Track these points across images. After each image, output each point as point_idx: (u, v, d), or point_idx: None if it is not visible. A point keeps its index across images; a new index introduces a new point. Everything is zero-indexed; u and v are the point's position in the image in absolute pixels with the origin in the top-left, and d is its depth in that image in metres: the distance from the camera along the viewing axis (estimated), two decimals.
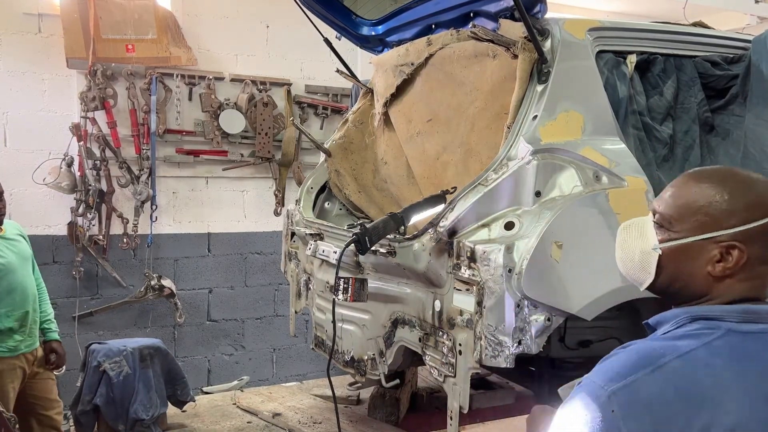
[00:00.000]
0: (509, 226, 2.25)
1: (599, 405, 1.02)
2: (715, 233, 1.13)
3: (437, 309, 2.40)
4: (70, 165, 4.50)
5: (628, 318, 2.54)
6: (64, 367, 3.38)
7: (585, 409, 1.04)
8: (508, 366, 2.14)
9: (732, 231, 1.12)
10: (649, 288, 1.22)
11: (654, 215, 1.22)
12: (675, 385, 1.02)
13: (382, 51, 3.54)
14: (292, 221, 3.58)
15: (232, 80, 5.04)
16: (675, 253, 1.17)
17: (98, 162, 4.60)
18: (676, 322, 1.14)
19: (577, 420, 1.04)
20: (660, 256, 1.19)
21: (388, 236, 2.51)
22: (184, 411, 3.92)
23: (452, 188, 2.64)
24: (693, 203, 1.16)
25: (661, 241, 1.19)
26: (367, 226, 2.49)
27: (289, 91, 5.10)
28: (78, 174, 4.55)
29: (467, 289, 2.24)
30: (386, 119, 3.44)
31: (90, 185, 4.57)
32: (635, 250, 1.23)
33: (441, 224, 2.33)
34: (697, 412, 1.00)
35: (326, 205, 3.66)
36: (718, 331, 1.09)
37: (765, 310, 1.12)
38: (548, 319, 2.17)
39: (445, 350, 2.37)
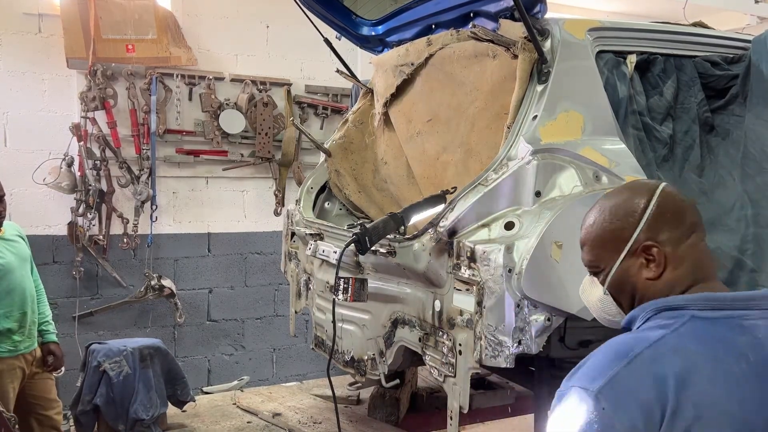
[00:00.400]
0: (509, 226, 2.25)
1: (590, 406, 1.06)
2: (627, 246, 1.23)
3: (437, 309, 2.40)
4: (70, 165, 4.50)
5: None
6: (63, 369, 3.37)
7: (578, 414, 1.07)
8: (508, 366, 2.14)
9: (635, 235, 1.22)
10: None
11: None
12: (651, 372, 1.07)
13: (382, 51, 3.54)
14: (292, 221, 3.58)
15: (232, 80, 5.04)
16: (617, 284, 1.27)
17: (98, 162, 4.60)
18: (644, 316, 1.20)
19: (572, 426, 1.07)
20: (610, 293, 1.29)
21: (388, 236, 2.51)
22: (184, 411, 3.92)
23: (452, 188, 2.64)
24: (595, 239, 1.29)
25: (602, 283, 1.30)
26: (367, 226, 2.49)
27: (289, 91, 5.10)
28: (78, 174, 4.55)
29: (467, 289, 2.24)
30: (386, 119, 3.44)
31: (90, 185, 4.57)
32: (596, 302, 1.34)
33: (441, 224, 2.33)
34: (675, 393, 1.04)
35: (326, 205, 3.66)
36: (683, 318, 1.14)
37: (726, 297, 1.17)
38: (548, 319, 2.17)
39: (445, 350, 2.37)
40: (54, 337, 3.35)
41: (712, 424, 1.03)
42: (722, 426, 1.04)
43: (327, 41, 3.56)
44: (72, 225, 4.57)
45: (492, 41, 2.62)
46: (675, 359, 1.08)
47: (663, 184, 1.27)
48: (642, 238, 1.22)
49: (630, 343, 1.13)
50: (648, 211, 1.22)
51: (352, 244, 2.46)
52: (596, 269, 1.31)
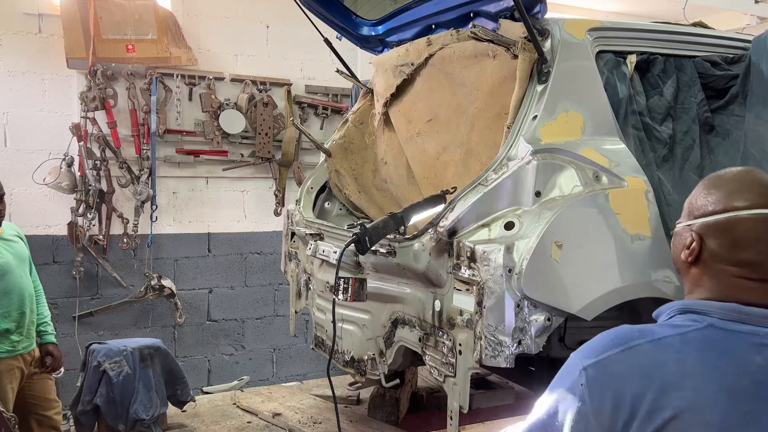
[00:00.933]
0: (509, 226, 2.25)
1: (572, 378, 1.12)
2: (687, 222, 1.23)
3: (437, 309, 2.40)
4: (70, 165, 4.50)
5: (628, 318, 2.54)
6: (62, 370, 3.36)
7: (561, 381, 1.14)
8: (508, 366, 2.14)
9: (696, 222, 1.21)
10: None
11: None
12: (640, 365, 1.08)
13: (382, 51, 3.54)
14: (292, 221, 3.58)
15: (232, 80, 5.04)
16: (674, 240, 1.27)
17: (98, 162, 4.60)
18: (669, 313, 1.20)
19: (554, 390, 1.14)
20: (672, 249, 1.29)
21: (388, 236, 2.51)
22: (184, 411, 3.92)
23: (452, 188, 2.64)
24: (689, 197, 1.27)
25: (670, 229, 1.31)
26: (367, 226, 2.49)
27: (289, 91, 5.10)
28: (78, 174, 4.55)
29: (467, 289, 2.24)
30: (386, 119, 3.44)
31: (90, 185, 4.57)
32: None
33: (441, 224, 2.33)
34: (656, 392, 1.05)
35: (326, 205, 3.66)
36: (700, 324, 1.13)
37: (756, 313, 1.12)
38: (548, 319, 2.17)
39: (445, 350, 2.37)
40: (53, 338, 3.34)
41: (690, 426, 1.03)
42: (700, 429, 1.03)
43: (327, 41, 3.56)
44: (72, 225, 4.57)
45: (492, 41, 2.62)
46: (669, 361, 1.08)
47: (751, 210, 1.17)
48: (700, 228, 1.20)
49: (634, 333, 1.14)
50: (717, 217, 1.18)
51: (352, 244, 2.46)
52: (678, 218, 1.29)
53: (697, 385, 1.05)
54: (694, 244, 1.20)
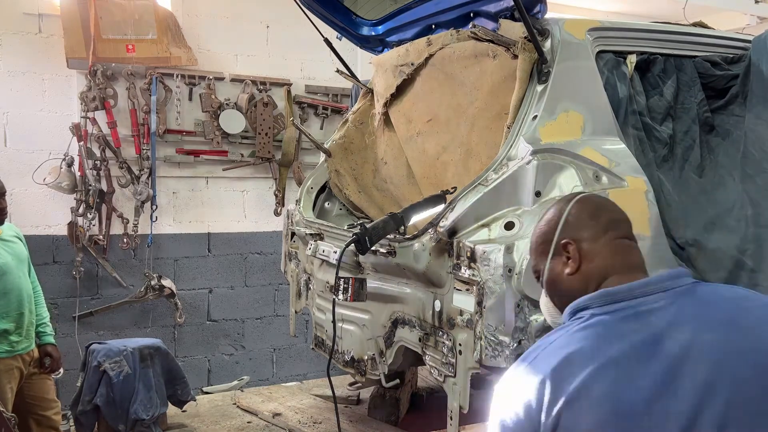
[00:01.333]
0: (509, 226, 2.25)
1: (494, 395, 1.25)
2: (552, 247, 1.36)
3: (437, 309, 2.40)
4: (70, 165, 4.50)
5: None
6: (61, 370, 3.36)
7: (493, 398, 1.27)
8: (508, 366, 2.14)
9: (556, 236, 1.36)
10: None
11: None
12: (535, 373, 1.18)
13: (382, 51, 3.54)
14: (292, 221, 3.58)
15: (232, 80, 5.04)
16: (549, 285, 1.40)
17: (98, 162, 4.60)
18: (564, 321, 1.30)
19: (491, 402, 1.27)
20: (549, 296, 1.42)
21: (388, 236, 2.51)
22: (184, 411, 3.92)
23: (452, 188, 2.64)
24: (532, 246, 1.44)
25: (542, 286, 1.43)
26: (367, 226, 2.49)
27: (289, 91, 5.10)
28: (78, 174, 4.55)
29: (467, 289, 2.24)
30: (386, 119, 3.44)
31: (90, 185, 4.57)
32: (543, 307, 1.48)
33: (441, 224, 2.33)
34: (551, 389, 1.13)
35: (326, 205, 3.66)
36: (583, 318, 1.23)
37: (621, 289, 1.24)
38: None
39: (445, 350, 2.37)
40: (51, 339, 3.34)
41: (584, 407, 1.10)
42: (595, 407, 1.10)
43: (327, 41, 3.56)
44: (72, 225, 4.57)
45: (492, 41, 2.62)
46: (558, 358, 1.16)
47: (582, 194, 1.43)
48: (561, 238, 1.35)
49: (533, 348, 1.25)
50: (565, 214, 1.36)
51: (352, 244, 2.46)
52: (537, 274, 1.43)
53: (583, 366, 1.13)
54: (572, 246, 1.33)
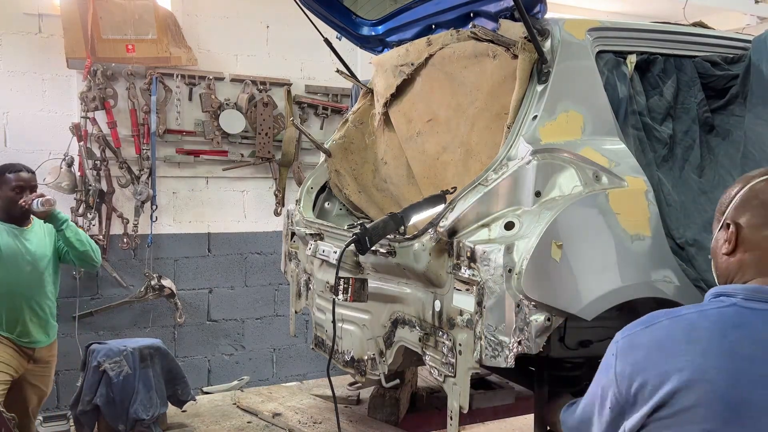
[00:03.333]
0: (509, 226, 2.25)
1: (609, 349, 1.29)
2: (721, 220, 1.35)
3: (437, 309, 2.40)
4: (70, 165, 4.50)
5: (628, 318, 2.52)
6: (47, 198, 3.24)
7: (605, 355, 1.31)
8: (508, 366, 2.14)
9: (726, 212, 1.34)
10: None
11: None
12: (657, 337, 1.21)
13: (382, 51, 3.54)
14: (292, 221, 3.58)
15: (232, 80, 5.04)
16: (712, 252, 1.41)
17: (98, 162, 4.61)
18: (707, 298, 1.29)
19: (602, 362, 1.32)
20: (712, 260, 1.42)
21: (388, 236, 2.51)
22: (184, 411, 3.92)
23: (452, 188, 2.63)
24: (714, 214, 1.42)
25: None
26: (367, 226, 2.49)
27: (289, 91, 5.10)
28: (78, 174, 4.56)
29: (467, 289, 2.24)
30: (386, 119, 3.44)
31: (90, 185, 4.57)
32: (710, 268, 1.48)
33: (441, 224, 2.33)
34: (665, 359, 1.17)
35: (326, 205, 3.66)
36: (723, 303, 1.22)
37: None
38: (548, 319, 2.16)
39: (445, 350, 2.37)
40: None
41: (695, 389, 1.11)
42: (705, 392, 1.11)
43: (327, 41, 3.56)
44: None
45: (492, 41, 2.62)
46: (680, 332, 1.18)
47: (765, 177, 1.34)
48: (728, 216, 1.33)
49: (660, 314, 1.27)
50: (739, 195, 1.32)
51: (352, 244, 2.46)
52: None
53: (703, 349, 1.14)
54: (731, 229, 1.30)
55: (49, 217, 3.23)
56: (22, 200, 3.18)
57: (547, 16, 2.55)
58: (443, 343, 2.37)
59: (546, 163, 2.32)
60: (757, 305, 1.19)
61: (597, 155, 2.38)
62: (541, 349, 2.19)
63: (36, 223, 3.36)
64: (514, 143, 2.38)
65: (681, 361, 1.14)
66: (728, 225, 1.31)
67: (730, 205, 1.32)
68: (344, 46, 3.67)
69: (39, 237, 3.35)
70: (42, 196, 3.24)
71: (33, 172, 3.38)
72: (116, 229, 4.76)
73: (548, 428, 2.69)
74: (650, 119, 2.63)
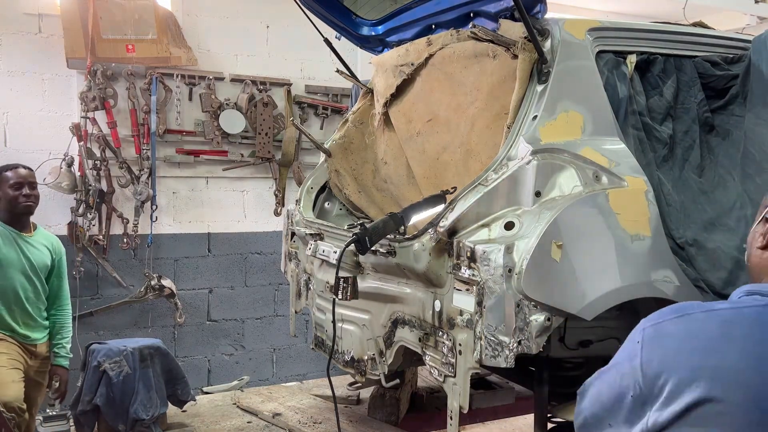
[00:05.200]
0: (509, 226, 2.25)
1: (633, 336, 1.21)
2: (762, 213, 1.30)
3: (437, 309, 2.40)
4: (70, 165, 4.50)
5: (628, 318, 2.54)
6: (61, 402, 3.42)
7: (627, 341, 1.24)
8: (508, 366, 2.14)
9: (765, 210, 1.28)
10: None
11: None
12: (688, 329, 1.14)
13: (382, 51, 3.54)
14: (292, 221, 3.58)
15: (232, 80, 5.04)
16: (748, 242, 1.34)
17: (98, 162, 4.61)
18: (737, 295, 1.24)
19: (623, 346, 1.24)
20: (748, 249, 1.36)
21: (388, 236, 2.51)
22: (184, 411, 3.92)
23: (452, 188, 2.64)
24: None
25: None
26: (367, 226, 2.49)
27: (289, 91, 5.11)
28: (78, 174, 4.56)
29: (467, 289, 2.24)
30: (386, 119, 3.44)
31: (90, 185, 4.57)
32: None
33: (441, 224, 2.33)
34: (699, 353, 1.10)
35: (326, 205, 3.66)
36: (760, 302, 1.17)
37: None
38: (548, 319, 2.16)
39: (445, 350, 2.37)
40: (63, 362, 3.43)
41: (730, 391, 1.06)
42: (741, 395, 1.06)
43: (327, 41, 3.56)
44: (72, 225, 4.57)
45: (492, 41, 2.62)
46: (716, 328, 1.12)
47: None
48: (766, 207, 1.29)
49: (693, 305, 1.20)
50: None
51: (352, 244, 2.46)
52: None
53: (740, 349, 1.08)
54: (766, 223, 1.27)
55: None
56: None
57: (547, 16, 2.55)
58: (443, 343, 2.37)
59: (546, 163, 2.32)
60: None
61: (597, 155, 2.38)
62: (541, 349, 2.19)
63: (39, 232, 3.36)
64: (514, 143, 2.38)
65: (715, 359, 1.09)
66: (767, 219, 1.28)
67: None
68: (344, 46, 3.67)
69: (39, 247, 3.34)
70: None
71: (31, 169, 3.38)
72: (116, 229, 4.76)
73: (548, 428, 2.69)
74: (650, 119, 2.63)
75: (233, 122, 4.96)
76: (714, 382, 1.07)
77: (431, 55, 2.99)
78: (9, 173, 3.27)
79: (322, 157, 3.66)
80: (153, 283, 4.77)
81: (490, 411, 3.76)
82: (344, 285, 2.58)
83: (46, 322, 3.43)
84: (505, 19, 2.68)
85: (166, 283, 4.83)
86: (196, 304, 5.10)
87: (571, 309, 2.18)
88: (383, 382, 2.90)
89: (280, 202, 5.19)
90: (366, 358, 2.91)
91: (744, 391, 1.06)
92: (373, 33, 3.48)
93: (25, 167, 3.35)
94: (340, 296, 2.58)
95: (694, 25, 3.10)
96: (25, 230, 3.31)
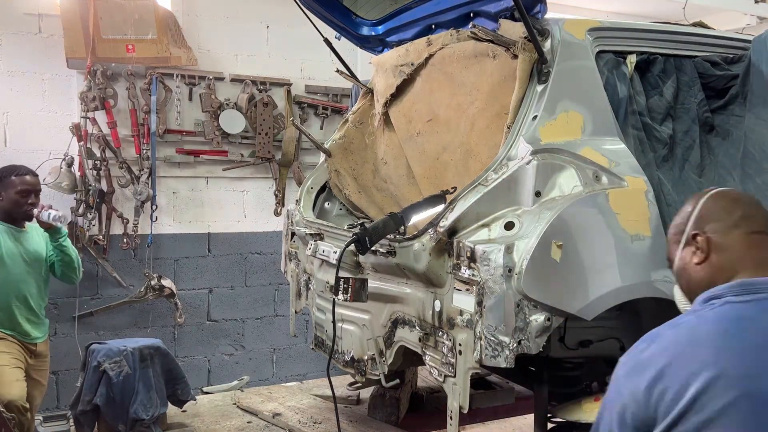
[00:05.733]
0: (509, 226, 2.25)
1: (614, 376, 1.30)
2: (683, 237, 1.40)
3: (437, 309, 2.40)
4: (70, 165, 4.49)
5: (628, 318, 2.54)
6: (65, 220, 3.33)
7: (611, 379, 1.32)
8: (508, 366, 2.14)
9: (688, 227, 1.40)
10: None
11: None
12: (662, 347, 1.23)
13: (382, 51, 3.54)
14: (292, 221, 3.58)
15: (232, 80, 5.04)
16: (679, 273, 1.44)
17: (98, 162, 4.60)
18: (694, 307, 1.33)
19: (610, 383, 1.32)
20: (679, 284, 1.46)
21: (388, 236, 2.51)
22: (184, 411, 3.93)
23: (452, 188, 2.64)
24: (668, 237, 1.48)
25: (674, 274, 1.47)
26: (367, 226, 2.49)
27: (289, 91, 5.10)
28: (78, 174, 4.55)
29: (467, 289, 2.24)
30: (386, 119, 3.44)
31: (90, 185, 4.57)
32: (674, 295, 1.52)
33: (441, 224, 2.33)
34: (682, 365, 1.17)
35: (326, 205, 3.66)
36: (717, 304, 1.25)
37: (759, 282, 1.27)
38: (548, 319, 2.17)
39: (445, 350, 2.37)
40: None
41: (718, 388, 1.12)
42: (729, 389, 1.12)
43: (327, 41, 3.56)
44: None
45: (492, 41, 2.62)
46: (685, 336, 1.21)
47: (720, 189, 1.47)
48: (692, 229, 1.39)
49: (660, 327, 1.28)
50: (699, 206, 1.40)
51: (352, 244, 2.46)
52: (670, 262, 1.48)
53: (717, 347, 1.16)
54: (700, 238, 1.36)
55: (52, 227, 3.25)
56: (36, 212, 3.24)
57: (547, 16, 2.55)
58: (443, 343, 2.38)
59: (546, 163, 2.32)
60: (748, 297, 1.23)
61: (597, 155, 2.38)
62: (541, 349, 2.19)
63: (31, 225, 3.38)
64: (514, 143, 2.38)
65: (695, 365, 1.15)
66: (695, 236, 1.37)
67: (690, 221, 1.39)
68: (344, 46, 3.67)
69: (35, 239, 3.37)
70: (51, 207, 3.30)
71: (37, 176, 3.40)
72: (116, 229, 4.75)
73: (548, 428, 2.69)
74: (650, 119, 2.63)
75: (233, 122, 4.95)
76: (701, 385, 1.13)
77: (431, 55, 3.00)
78: (16, 179, 3.29)
79: (322, 157, 3.67)
80: (153, 283, 4.77)
81: (490, 411, 3.76)
82: (344, 285, 2.58)
83: (47, 320, 3.44)
84: (505, 19, 2.69)
85: (166, 283, 4.83)
86: (196, 304, 5.10)
87: (571, 309, 2.18)
88: (383, 382, 2.90)
89: (280, 202, 5.19)
90: (366, 358, 2.91)
91: (731, 383, 1.12)
92: (373, 33, 3.48)
93: (32, 174, 3.37)
94: (340, 296, 2.58)
95: (694, 25, 3.11)
96: (22, 226, 3.35)
